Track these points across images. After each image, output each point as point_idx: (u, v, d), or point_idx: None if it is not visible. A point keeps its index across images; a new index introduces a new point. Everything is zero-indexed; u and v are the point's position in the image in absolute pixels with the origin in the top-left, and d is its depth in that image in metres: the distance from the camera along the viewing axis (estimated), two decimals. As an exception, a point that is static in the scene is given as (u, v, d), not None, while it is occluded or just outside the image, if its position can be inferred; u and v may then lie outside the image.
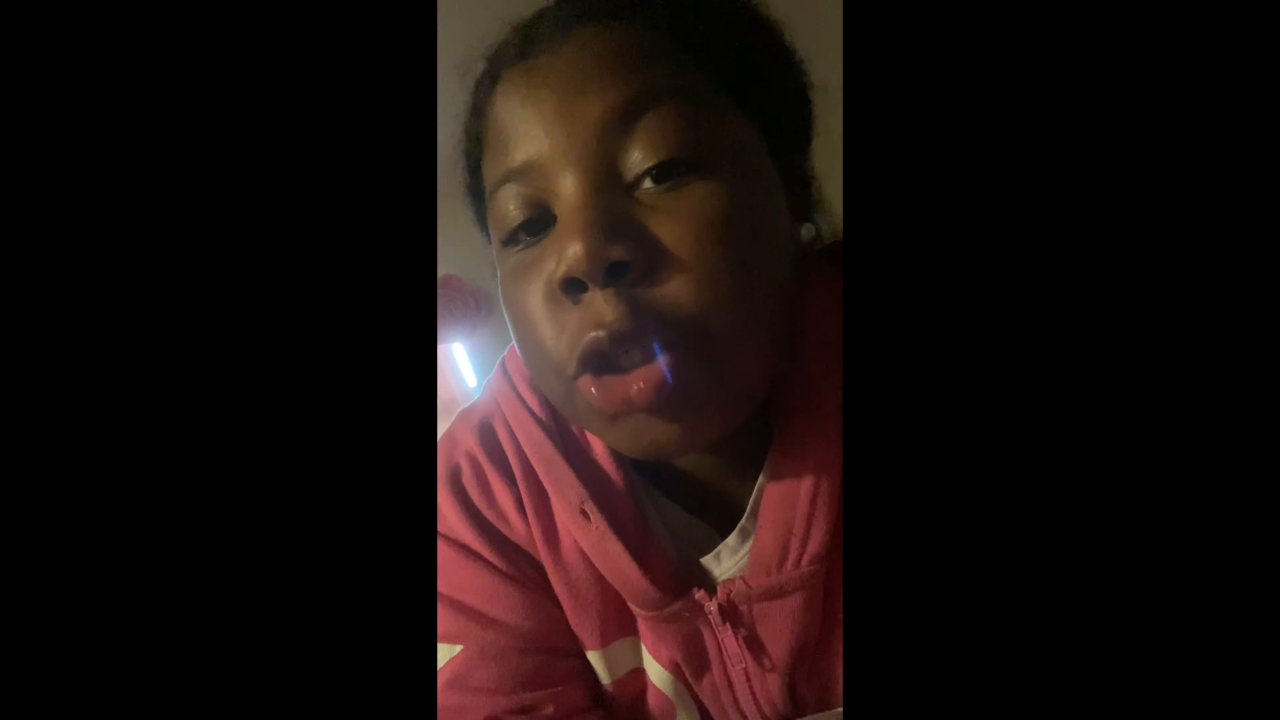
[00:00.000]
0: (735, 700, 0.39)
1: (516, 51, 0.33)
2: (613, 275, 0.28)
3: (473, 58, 0.36)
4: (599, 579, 0.38)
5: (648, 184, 0.30)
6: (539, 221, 0.31)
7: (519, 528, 0.40)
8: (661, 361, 0.29)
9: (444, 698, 0.38)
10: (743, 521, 0.37)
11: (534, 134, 0.30)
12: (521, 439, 0.39)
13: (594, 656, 0.40)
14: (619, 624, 0.40)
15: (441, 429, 0.45)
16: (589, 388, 0.30)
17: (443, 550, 0.40)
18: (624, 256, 0.28)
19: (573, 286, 0.29)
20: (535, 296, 0.31)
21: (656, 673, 0.40)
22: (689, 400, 0.29)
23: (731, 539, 0.37)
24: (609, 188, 0.30)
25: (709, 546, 0.38)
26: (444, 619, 0.39)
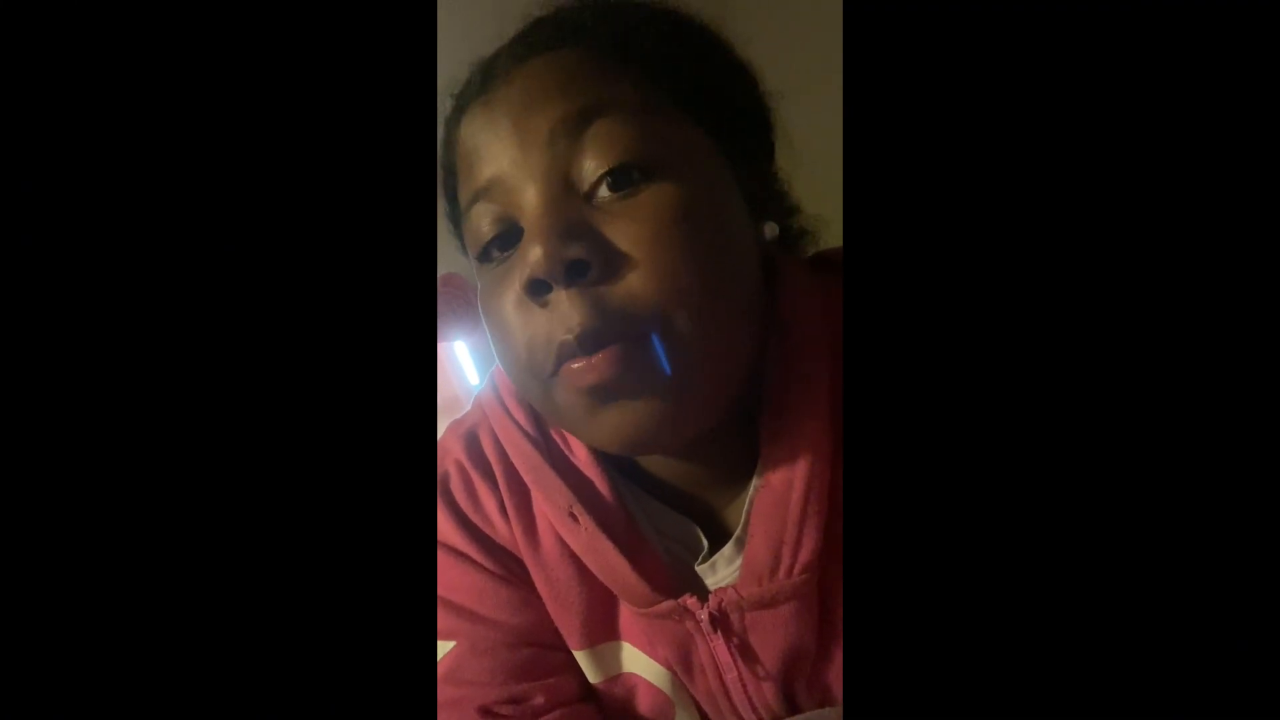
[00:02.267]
0: (732, 705, 0.39)
1: (477, 88, 0.35)
2: (573, 274, 0.30)
3: (441, 97, 0.38)
4: (580, 581, 0.39)
5: (604, 192, 0.31)
6: (509, 235, 0.33)
7: (503, 530, 0.41)
8: (624, 347, 0.30)
9: (439, 691, 0.39)
10: (738, 531, 0.37)
11: (494, 154, 0.33)
12: (508, 447, 0.40)
13: (580, 656, 0.41)
14: (603, 628, 0.41)
15: (442, 426, 0.46)
16: (566, 372, 0.31)
17: None
18: (582, 255, 0.29)
19: (537, 288, 0.30)
20: (509, 305, 0.32)
21: (654, 672, 0.40)
22: (658, 390, 0.30)
23: (727, 549, 0.38)
24: (566, 196, 0.31)
25: (696, 545, 0.39)
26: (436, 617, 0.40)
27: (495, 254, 0.34)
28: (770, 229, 0.37)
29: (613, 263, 0.30)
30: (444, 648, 0.40)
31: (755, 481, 0.36)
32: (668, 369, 0.30)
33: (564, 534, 0.38)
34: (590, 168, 0.31)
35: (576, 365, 0.30)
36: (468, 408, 0.46)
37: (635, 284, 0.30)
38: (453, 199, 0.38)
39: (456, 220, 0.39)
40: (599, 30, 0.35)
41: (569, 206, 0.31)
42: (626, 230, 0.31)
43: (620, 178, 0.31)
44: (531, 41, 0.35)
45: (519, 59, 0.34)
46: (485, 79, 0.35)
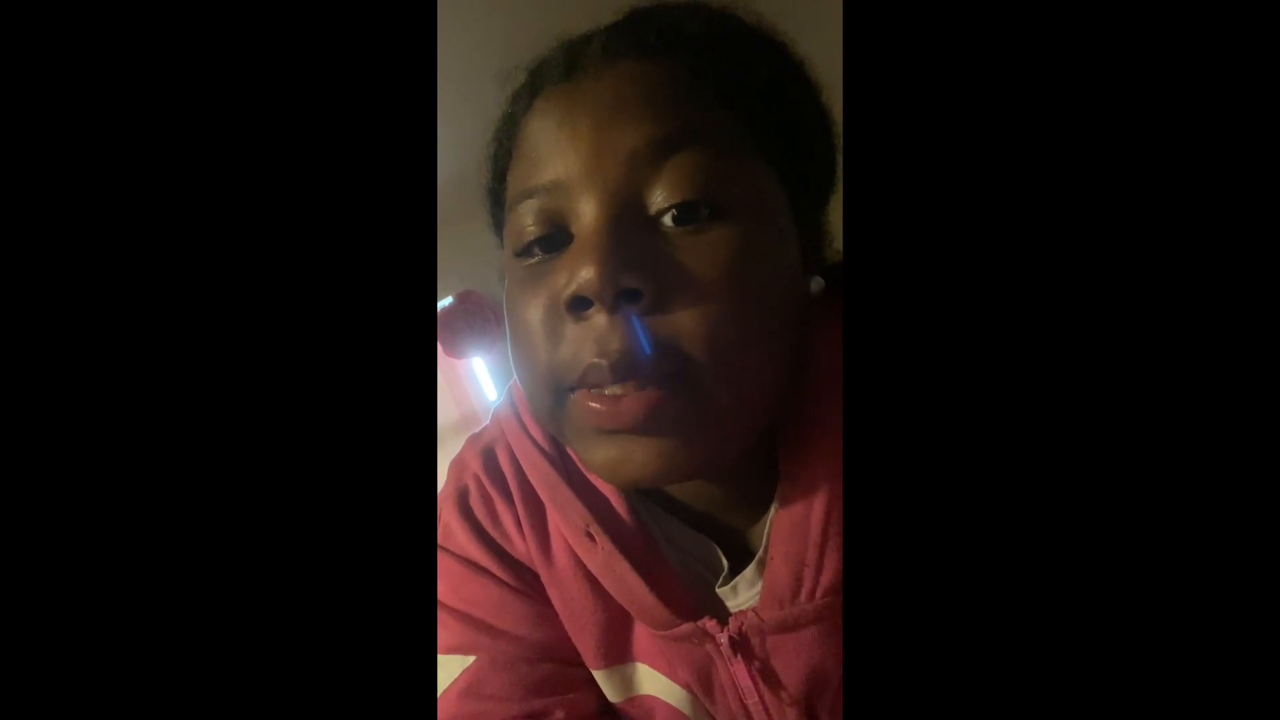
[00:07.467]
0: None
1: (561, 71, 0.34)
2: (622, 300, 0.29)
3: (515, 68, 0.37)
4: (595, 601, 0.39)
5: (669, 222, 0.30)
6: (555, 239, 0.32)
7: (521, 546, 0.41)
8: (655, 389, 0.29)
9: (459, 706, 0.39)
10: (759, 553, 0.37)
11: (565, 155, 0.31)
12: (525, 465, 0.40)
13: (597, 676, 0.41)
14: (619, 649, 0.40)
15: (460, 443, 0.46)
16: (585, 401, 0.30)
17: (453, 566, 0.42)
18: (636, 284, 0.29)
19: (580, 305, 0.30)
20: (539, 309, 0.31)
21: (673, 694, 0.40)
22: (675, 435, 0.30)
23: (749, 571, 0.37)
24: (630, 217, 0.30)
25: (717, 566, 0.38)
26: (456, 631, 0.40)
27: (536, 251, 0.32)
28: (817, 283, 0.37)
29: (665, 297, 0.29)
30: (464, 662, 0.40)
31: (776, 503, 0.36)
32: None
33: (581, 553, 0.38)
34: (662, 196, 0.30)
35: (603, 396, 0.29)
36: (484, 424, 0.46)
37: (684, 325, 0.29)
38: (499, 178, 0.37)
39: (498, 198, 0.37)
40: (699, 43, 0.33)
41: (631, 231, 0.30)
42: (685, 266, 0.30)
43: (689, 212, 0.30)
44: (628, 38, 0.33)
45: (612, 56, 0.33)
46: (570, 66, 0.34)
